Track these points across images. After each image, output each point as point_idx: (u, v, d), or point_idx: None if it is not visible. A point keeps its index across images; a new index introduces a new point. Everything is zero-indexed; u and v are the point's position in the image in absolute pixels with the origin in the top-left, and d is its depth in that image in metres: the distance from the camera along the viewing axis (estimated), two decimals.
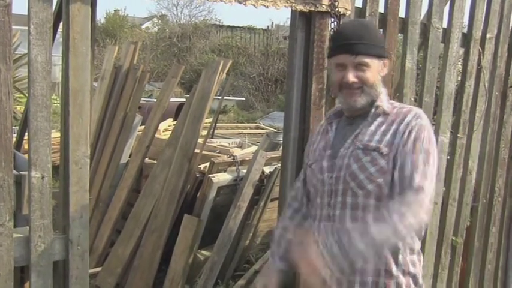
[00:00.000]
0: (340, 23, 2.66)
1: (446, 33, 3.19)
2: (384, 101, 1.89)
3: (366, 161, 1.80)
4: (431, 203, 1.74)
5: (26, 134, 3.92)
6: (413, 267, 1.87)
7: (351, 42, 1.82)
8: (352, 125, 1.92)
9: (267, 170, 4.20)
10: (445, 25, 3.20)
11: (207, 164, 4.24)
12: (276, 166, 4.17)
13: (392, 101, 1.95)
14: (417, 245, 1.90)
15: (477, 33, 3.33)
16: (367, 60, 1.82)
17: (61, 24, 2.18)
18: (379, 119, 1.87)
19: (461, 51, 3.35)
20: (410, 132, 1.79)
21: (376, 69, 1.86)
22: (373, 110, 1.87)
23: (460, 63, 3.39)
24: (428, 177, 1.73)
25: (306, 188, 2.07)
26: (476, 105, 3.41)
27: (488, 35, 3.38)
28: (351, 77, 1.83)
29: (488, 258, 3.73)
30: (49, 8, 1.93)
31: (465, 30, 3.35)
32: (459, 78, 3.40)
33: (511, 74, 3.59)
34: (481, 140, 3.50)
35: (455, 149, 3.35)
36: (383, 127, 1.84)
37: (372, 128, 1.85)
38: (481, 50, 3.36)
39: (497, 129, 3.61)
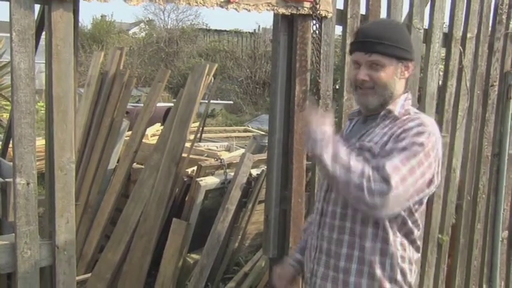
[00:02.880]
0: (323, 25, 2.71)
1: (428, 34, 3.23)
2: (397, 105, 1.84)
3: None
4: (394, 200, 1.62)
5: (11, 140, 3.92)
6: (402, 276, 1.82)
7: (367, 40, 1.81)
8: (364, 124, 1.92)
9: (255, 172, 4.23)
10: (426, 25, 3.25)
11: (195, 167, 4.26)
12: (263, 168, 4.19)
13: (410, 108, 1.87)
14: (411, 253, 1.86)
15: (458, 33, 3.38)
16: (382, 59, 1.79)
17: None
18: (387, 122, 1.83)
19: (443, 51, 3.40)
20: (405, 132, 1.73)
21: (391, 71, 1.81)
22: (383, 112, 1.84)
23: (441, 62, 3.43)
24: (401, 175, 1.62)
25: None
26: (459, 104, 3.46)
27: (468, 35, 3.43)
28: (362, 74, 1.82)
29: (473, 255, 3.78)
30: (31, 15, 1.94)
31: (446, 30, 3.40)
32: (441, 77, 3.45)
33: (491, 72, 3.64)
34: (464, 138, 3.55)
35: None
36: (385, 129, 1.81)
37: (377, 130, 1.83)
38: (461, 49, 3.41)
39: (479, 127, 3.66)
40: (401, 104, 1.85)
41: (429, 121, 1.81)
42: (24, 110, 1.96)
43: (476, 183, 3.71)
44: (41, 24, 2.69)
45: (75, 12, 2.10)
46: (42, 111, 8.47)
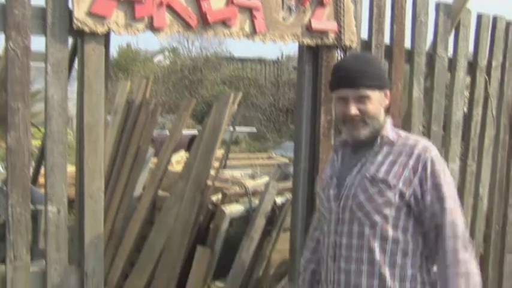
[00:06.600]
0: (347, 55, 2.73)
1: (452, 62, 3.24)
2: (388, 130, 1.91)
3: (374, 192, 1.83)
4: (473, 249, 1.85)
5: (42, 168, 4.00)
6: None
7: (351, 76, 1.85)
8: (356, 154, 1.95)
9: (279, 200, 4.22)
10: (450, 54, 3.26)
11: (220, 195, 4.28)
12: (287, 197, 4.19)
13: (397, 130, 1.96)
14: (432, 278, 1.88)
15: (482, 62, 3.38)
16: (369, 92, 1.85)
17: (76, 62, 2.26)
18: (385, 149, 1.89)
19: (468, 79, 3.39)
20: (424, 168, 1.82)
21: (377, 101, 1.88)
22: (378, 139, 1.89)
23: (467, 91, 3.43)
24: (467, 240, 1.80)
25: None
26: (485, 132, 3.44)
27: (493, 63, 3.43)
28: (353, 110, 1.86)
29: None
30: (65, 49, 2.02)
31: (471, 59, 3.40)
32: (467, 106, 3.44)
33: None
34: (491, 167, 3.51)
35: (465, 176, 3.37)
36: (390, 157, 1.86)
37: (379, 158, 1.88)
38: (487, 77, 3.40)
39: (507, 156, 3.62)
40: (390, 128, 1.93)
41: (425, 141, 1.91)
42: (56, 139, 2.02)
43: (505, 213, 3.66)
44: (73, 56, 2.78)
45: (107, 45, 2.16)
46: (70, 138, 8.65)
